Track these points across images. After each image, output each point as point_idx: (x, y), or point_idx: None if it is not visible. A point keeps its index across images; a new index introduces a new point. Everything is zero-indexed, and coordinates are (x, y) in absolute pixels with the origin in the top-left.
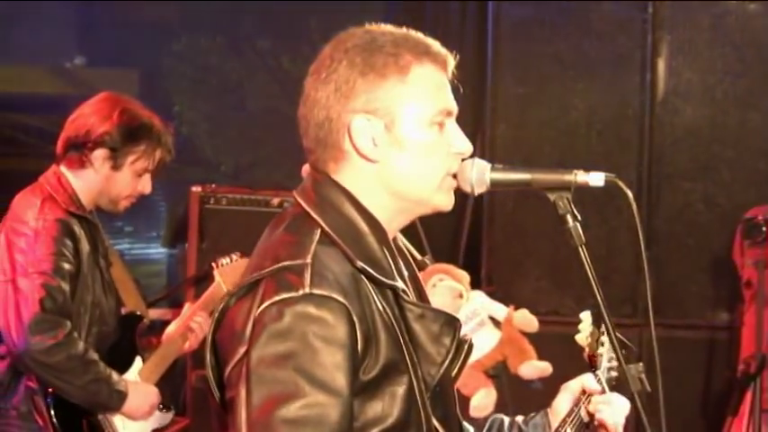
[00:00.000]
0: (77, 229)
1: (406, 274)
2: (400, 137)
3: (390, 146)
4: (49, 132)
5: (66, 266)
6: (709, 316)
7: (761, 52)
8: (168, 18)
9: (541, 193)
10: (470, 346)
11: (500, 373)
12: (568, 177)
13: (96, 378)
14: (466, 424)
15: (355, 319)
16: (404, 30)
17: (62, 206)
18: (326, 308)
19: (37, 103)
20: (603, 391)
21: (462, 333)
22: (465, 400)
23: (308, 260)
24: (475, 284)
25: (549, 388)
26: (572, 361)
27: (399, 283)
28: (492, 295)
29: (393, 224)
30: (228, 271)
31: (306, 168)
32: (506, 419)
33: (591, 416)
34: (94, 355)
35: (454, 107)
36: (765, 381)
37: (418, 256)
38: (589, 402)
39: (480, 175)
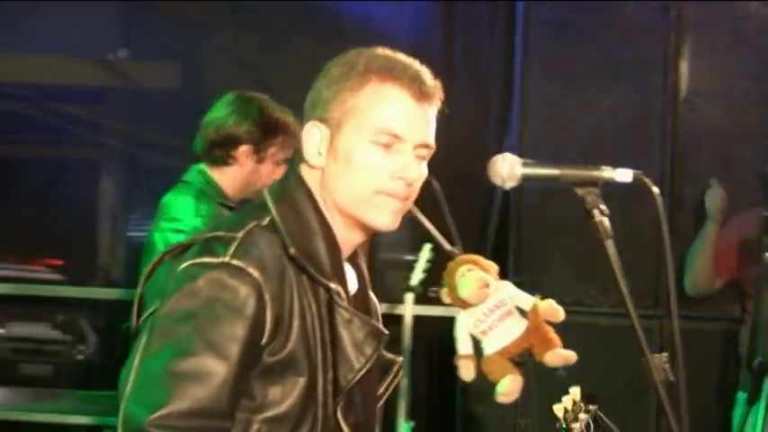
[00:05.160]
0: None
1: (355, 287)
2: (337, 148)
3: (328, 155)
4: (92, 122)
5: None
6: (727, 309)
7: None
8: (210, 12)
9: (570, 188)
10: (399, 369)
11: (526, 361)
12: (596, 173)
13: None
14: None
15: (268, 297)
16: (398, 56)
17: (215, 199)
18: (240, 279)
19: (82, 93)
20: None
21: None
22: (489, 387)
23: (240, 234)
24: (502, 275)
25: (573, 375)
26: (595, 350)
27: (334, 285)
28: (519, 286)
29: (345, 236)
30: None
31: None
32: None
33: None
34: None
35: (406, 133)
36: None
37: (448, 247)
38: None
39: (511, 169)
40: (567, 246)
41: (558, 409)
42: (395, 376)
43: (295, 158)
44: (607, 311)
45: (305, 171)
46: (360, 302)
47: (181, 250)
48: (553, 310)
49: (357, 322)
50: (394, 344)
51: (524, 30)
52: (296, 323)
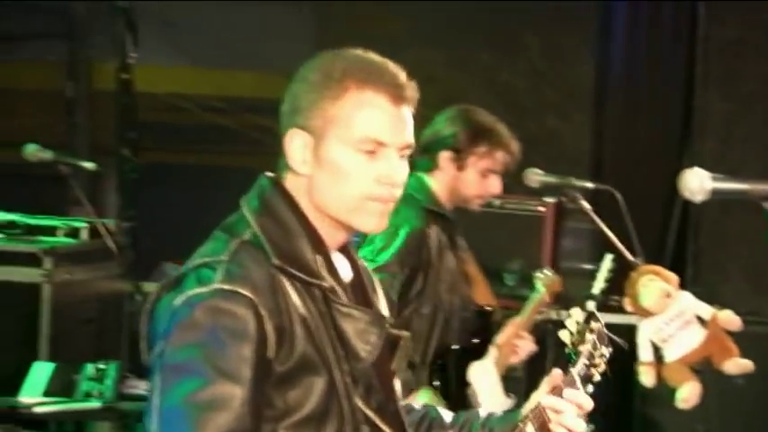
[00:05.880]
0: (432, 223)
1: (349, 278)
2: (322, 156)
3: (314, 163)
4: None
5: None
6: None
7: None
8: (398, 28)
9: (757, 202)
10: (405, 342)
11: (705, 369)
12: None
13: None
14: (412, 410)
15: (264, 312)
16: (371, 57)
17: (421, 204)
18: (234, 302)
19: (276, 106)
20: (576, 387)
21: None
22: (668, 393)
23: (225, 257)
24: (681, 285)
25: (750, 383)
26: None
27: (327, 283)
28: (697, 295)
29: (330, 235)
30: (549, 282)
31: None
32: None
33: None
34: None
35: (389, 138)
36: None
37: (631, 258)
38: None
39: (701, 183)
40: (744, 257)
41: (565, 335)
42: (401, 351)
43: (281, 164)
44: None
45: (289, 177)
46: (358, 290)
47: (174, 283)
48: (731, 320)
49: (356, 314)
50: None
51: (704, 49)
52: (298, 329)
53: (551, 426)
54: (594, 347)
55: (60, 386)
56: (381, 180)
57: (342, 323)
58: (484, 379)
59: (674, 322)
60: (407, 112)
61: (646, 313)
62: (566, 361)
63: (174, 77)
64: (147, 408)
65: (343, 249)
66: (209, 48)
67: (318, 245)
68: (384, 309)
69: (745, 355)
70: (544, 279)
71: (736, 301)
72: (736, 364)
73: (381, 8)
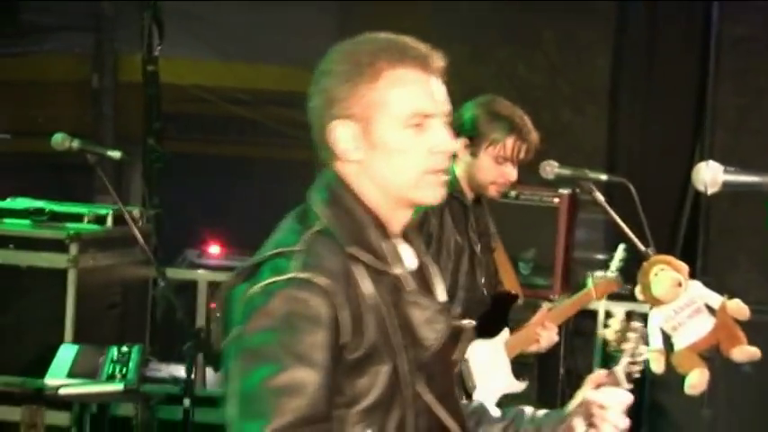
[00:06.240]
0: (443, 206)
1: (414, 265)
2: (374, 140)
3: (367, 148)
4: (309, 125)
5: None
6: None
7: None
8: (422, 23)
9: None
10: (469, 333)
11: (713, 356)
12: None
13: None
14: (463, 404)
15: (339, 301)
16: (391, 36)
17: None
18: (308, 290)
19: (300, 99)
20: (620, 385)
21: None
22: (677, 379)
23: (300, 247)
24: (691, 275)
25: (757, 371)
26: None
27: (396, 271)
28: (707, 285)
29: (393, 217)
30: (602, 284)
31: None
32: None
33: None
34: None
35: (432, 108)
36: None
37: (643, 248)
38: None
39: (714, 176)
40: (753, 248)
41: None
42: (466, 342)
43: (321, 156)
44: None
45: (340, 167)
46: (421, 277)
47: (250, 272)
48: (740, 308)
49: (423, 302)
50: (588, 336)
51: (717, 44)
52: (370, 317)
53: (596, 420)
54: (636, 346)
55: (84, 368)
56: (433, 150)
57: (409, 311)
58: (486, 358)
59: (684, 311)
60: (439, 81)
61: (657, 302)
62: (580, 350)
63: (199, 70)
64: (225, 392)
65: (406, 237)
66: (232, 41)
67: (385, 233)
68: (444, 296)
69: (752, 342)
70: (596, 278)
71: (744, 290)
72: (744, 352)
73: (402, 3)
